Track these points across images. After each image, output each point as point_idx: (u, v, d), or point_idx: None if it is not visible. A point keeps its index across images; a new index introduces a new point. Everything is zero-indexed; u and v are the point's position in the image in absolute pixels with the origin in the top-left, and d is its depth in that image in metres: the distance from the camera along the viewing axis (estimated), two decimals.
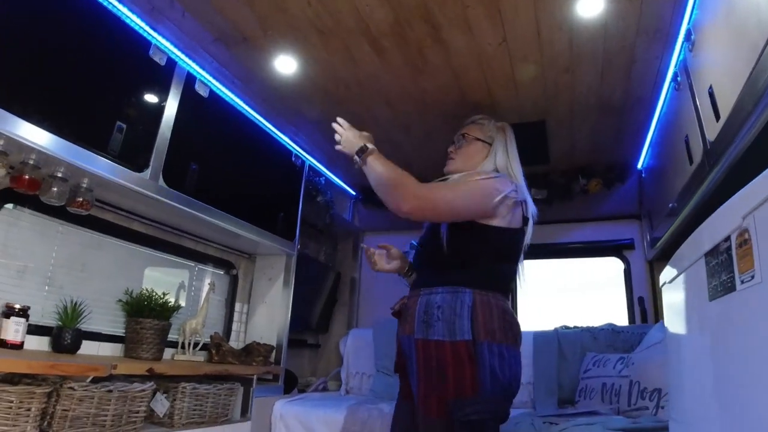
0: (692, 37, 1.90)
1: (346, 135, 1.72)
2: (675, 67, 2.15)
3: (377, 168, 1.62)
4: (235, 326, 3.04)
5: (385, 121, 2.83)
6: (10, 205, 1.93)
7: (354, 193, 4.03)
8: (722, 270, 0.93)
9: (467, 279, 1.59)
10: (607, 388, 2.41)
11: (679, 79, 2.10)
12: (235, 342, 2.98)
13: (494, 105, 2.58)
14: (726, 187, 1.77)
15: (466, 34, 2.09)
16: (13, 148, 1.67)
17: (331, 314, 3.93)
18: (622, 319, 3.18)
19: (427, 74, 2.37)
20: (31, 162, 1.76)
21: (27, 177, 1.76)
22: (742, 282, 0.84)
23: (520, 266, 1.76)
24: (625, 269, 3.29)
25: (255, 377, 2.58)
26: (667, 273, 1.47)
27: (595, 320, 3.06)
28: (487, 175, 1.69)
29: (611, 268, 3.37)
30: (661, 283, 1.59)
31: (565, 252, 3.47)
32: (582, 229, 3.41)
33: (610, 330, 2.84)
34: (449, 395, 1.46)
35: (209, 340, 2.65)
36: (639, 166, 3.20)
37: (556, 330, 3.00)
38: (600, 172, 3.30)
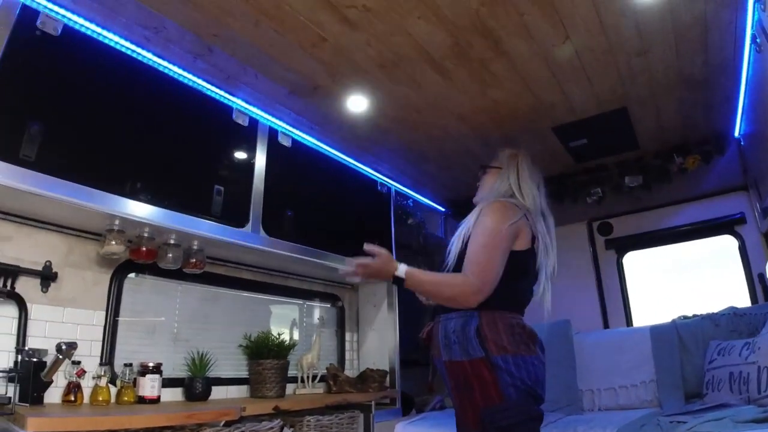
0: None
1: (372, 269, 1.79)
2: (752, 29, 2.03)
3: (421, 287, 1.80)
4: (348, 355, 3.16)
5: (460, 136, 2.87)
6: (132, 275, 2.16)
7: (443, 209, 4.08)
8: None
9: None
10: (735, 377, 2.27)
11: (758, 40, 1.98)
12: (350, 370, 3.10)
13: (570, 102, 2.55)
14: None
15: (528, 41, 2.09)
16: (128, 226, 1.89)
17: None
18: (744, 301, 2.97)
19: (495, 86, 2.39)
20: (146, 234, 1.98)
21: (144, 249, 1.98)
22: None
23: (546, 282, 1.83)
24: (739, 246, 3.07)
25: (373, 403, 2.68)
26: None
27: (715, 305, 2.88)
28: (493, 214, 1.76)
29: (722, 246, 3.17)
30: None
31: (671, 237, 3.30)
32: (686, 209, 3.23)
33: (732, 314, 2.67)
34: (479, 405, 1.61)
35: (326, 371, 2.79)
36: (736, 134, 3.01)
37: (674, 321, 2.85)
38: (696, 147, 3.12)
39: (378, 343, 3.15)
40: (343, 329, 3.19)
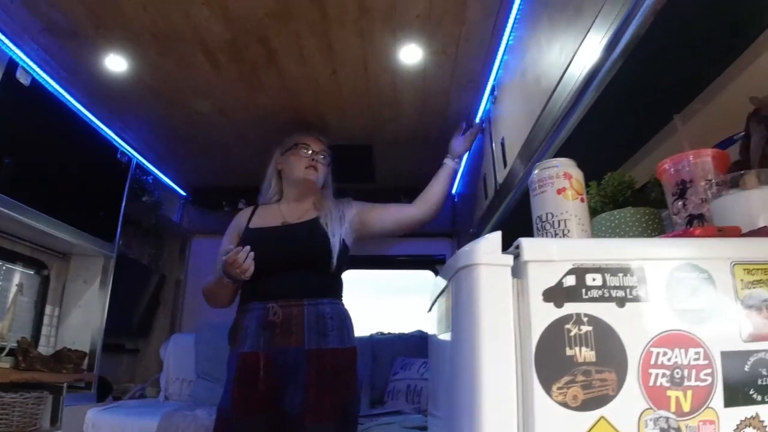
0: (495, 92, 2.23)
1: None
2: (482, 114, 2.49)
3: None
4: (45, 330, 2.84)
5: (218, 128, 2.85)
6: None
7: (185, 193, 3.94)
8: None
9: (339, 292, 1.92)
10: (411, 389, 2.70)
11: (484, 125, 2.44)
12: (45, 347, 2.80)
13: (326, 126, 2.75)
14: (510, 219, 2.12)
15: (300, 62, 2.22)
16: None
17: (153, 318, 3.82)
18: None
19: (261, 91, 2.46)
20: None
21: None
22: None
23: None
24: None
25: (65, 385, 2.47)
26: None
27: (409, 327, 3.37)
28: None
29: (424, 278, 3.74)
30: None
31: (386, 263, 3.77)
32: (402, 243, 3.72)
33: (419, 336, 3.17)
34: (342, 399, 1.66)
35: (16, 345, 2.48)
36: (453, 191, 3.59)
37: (371, 336, 3.26)
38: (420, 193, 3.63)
39: (82, 323, 2.90)
40: (44, 301, 2.85)
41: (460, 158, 2.30)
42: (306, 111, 2.61)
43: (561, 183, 0.86)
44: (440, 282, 0.92)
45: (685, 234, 0.74)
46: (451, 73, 2.26)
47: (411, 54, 2.13)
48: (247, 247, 1.71)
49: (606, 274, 0.64)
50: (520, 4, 1.78)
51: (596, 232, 1.22)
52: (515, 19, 1.86)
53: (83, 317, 2.92)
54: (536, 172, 0.91)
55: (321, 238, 1.91)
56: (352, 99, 2.48)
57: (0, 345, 2.40)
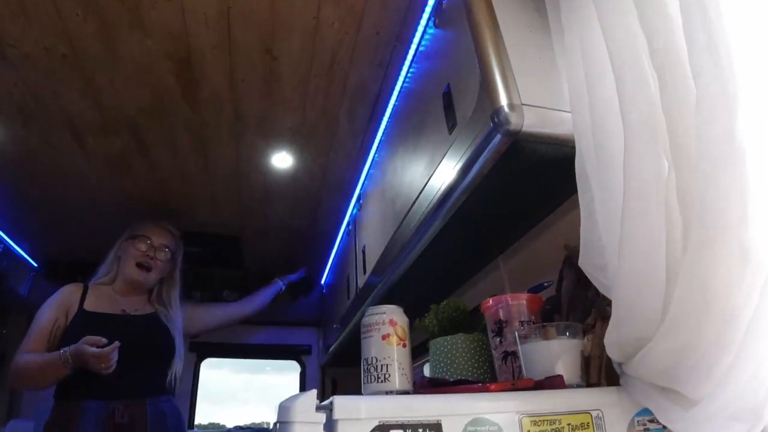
0: (361, 200, 2.37)
1: None
2: (349, 217, 2.62)
3: None
4: None
5: (81, 205, 2.72)
6: None
7: (36, 264, 3.65)
8: None
9: (172, 387, 1.90)
10: None
11: (350, 227, 2.56)
12: None
13: (195, 216, 2.75)
14: None
15: (171, 154, 2.23)
16: None
17: None
18: None
19: (129, 177, 2.42)
20: None
21: None
22: None
23: None
24: (301, 372, 3.63)
25: None
26: None
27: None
28: None
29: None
30: None
31: (251, 352, 3.69)
32: (267, 331, 3.68)
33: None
34: None
35: None
36: (322, 281, 3.66)
37: (228, 430, 3.15)
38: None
39: None
40: None
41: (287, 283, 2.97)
42: (174, 199, 2.60)
43: (386, 329, 0.96)
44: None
45: (482, 389, 0.85)
46: (321, 178, 2.39)
47: (282, 160, 2.23)
48: (116, 343, 1.66)
49: (408, 430, 0.73)
50: (384, 129, 1.96)
51: (432, 355, 1.34)
52: (380, 140, 2.03)
53: None
54: (366, 317, 1.00)
55: (165, 336, 1.92)
56: (222, 193, 2.51)
57: None
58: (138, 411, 1.72)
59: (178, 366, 1.93)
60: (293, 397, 0.74)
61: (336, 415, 0.70)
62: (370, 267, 2.01)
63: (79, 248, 3.31)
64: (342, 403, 0.71)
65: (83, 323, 1.88)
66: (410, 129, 1.64)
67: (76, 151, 2.27)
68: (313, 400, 0.70)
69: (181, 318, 2.05)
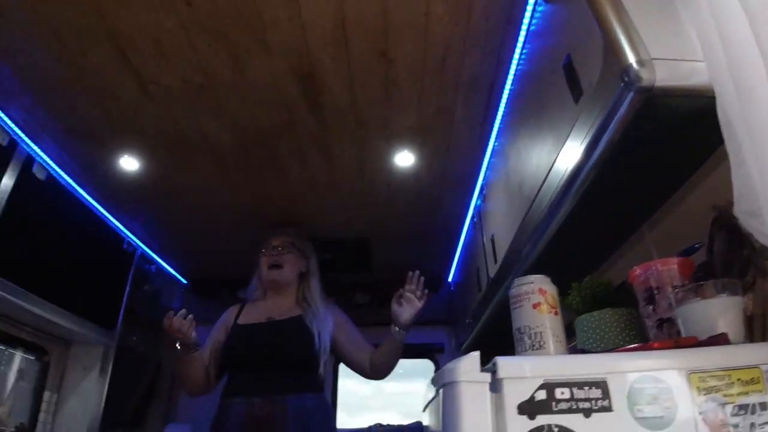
0: (484, 191, 2.37)
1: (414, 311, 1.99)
2: (473, 210, 2.63)
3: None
4: (42, 417, 2.82)
5: (224, 222, 2.97)
6: None
7: (185, 281, 4.02)
8: None
9: (323, 385, 1.98)
10: None
11: (475, 220, 2.57)
12: None
13: (324, 223, 2.90)
14: (503, 312, 2.20)
15: (300, 165, 2.38)
16: None
17: (147, 408, 3.78)
18: None
19: (264, 193, 2.61)
20: None
21: None
22: None
23: None
24: (435, 370, 3.67)
25: None
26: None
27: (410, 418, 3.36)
28: None
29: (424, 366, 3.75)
30: None
31: None
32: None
33: (418, 429, 3.16)
34: None
35: (14, 431, 2.47)
36: (449, 279, 3.68)
37: (369, 428, 3.25)
38: None
39: (78, 411, 2.87)
40: (42, 387, 2.85)
41: (407, 328, 2.05)
42: (305, 209, 2.76)
43: (536, 298, 0.96)
44: (431, 389, 1.00)
45: (645, 347, 0.83)
46: (441, 174, 2.42)
47: (405, 158, 2.30)
48: (183, 311, 1.85)
49: (573, 388, 0.73)
50: (502, 116, 1.96)
51: (579, 332, 1.31)
52: (498, 128, 2.02)
53: (80, 406, 2.89)
54: (513, 288, 1.01)
55: (307, 337, 1.99)
56: (348, 197, 2.63)
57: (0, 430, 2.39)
58: (278, 406, 1.83)
59: (322, 364, 2.01)
60: (455, 360, 0.77)
61: (501, 374, 0.72)
62: (500, 254, 2.01)
63: (222, 265, 3.60)
64: (506, 363, 0.73)
65: (234, 335, 2.09)
66: (530, 110, 1.63)
67: (215, 172, 2.48)
68: (476, 361, 0.73)
69: (330, 317, 2.14)
